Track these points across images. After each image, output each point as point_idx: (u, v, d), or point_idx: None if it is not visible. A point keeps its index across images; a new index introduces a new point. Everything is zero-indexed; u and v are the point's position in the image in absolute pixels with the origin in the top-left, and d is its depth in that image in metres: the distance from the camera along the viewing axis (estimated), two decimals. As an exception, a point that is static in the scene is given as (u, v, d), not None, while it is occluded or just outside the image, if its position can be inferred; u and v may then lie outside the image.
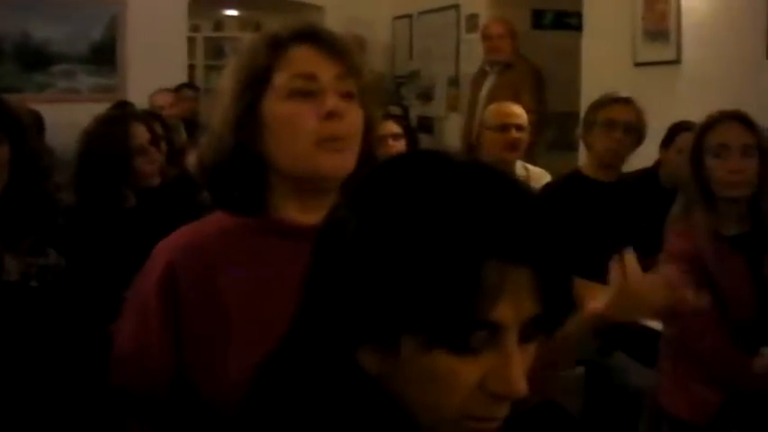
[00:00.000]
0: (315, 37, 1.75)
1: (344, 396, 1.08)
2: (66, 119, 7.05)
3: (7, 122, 2.37)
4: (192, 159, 4.61)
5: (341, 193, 1.15)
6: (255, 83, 1.72)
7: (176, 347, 1.70)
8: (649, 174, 5.10)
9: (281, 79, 1.71)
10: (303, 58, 1.72)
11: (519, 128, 4.90)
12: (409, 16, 9.44)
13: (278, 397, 1.13)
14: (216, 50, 13.98)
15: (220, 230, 1.76)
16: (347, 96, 1.73)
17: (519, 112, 5.01)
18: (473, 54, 8.36)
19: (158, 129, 3.85)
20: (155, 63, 8.79)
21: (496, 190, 1.03)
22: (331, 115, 1.68)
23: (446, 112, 8.75)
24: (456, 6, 8.67)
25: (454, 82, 8.63)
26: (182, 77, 9.19)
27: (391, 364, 1.04)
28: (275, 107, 1.71)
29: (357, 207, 1.07)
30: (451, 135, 8.36)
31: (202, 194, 4.32)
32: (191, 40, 10.18)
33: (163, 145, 3.88)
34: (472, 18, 8.40)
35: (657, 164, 5.14)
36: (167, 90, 7.56)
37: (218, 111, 1.76)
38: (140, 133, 3.62)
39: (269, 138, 1.71)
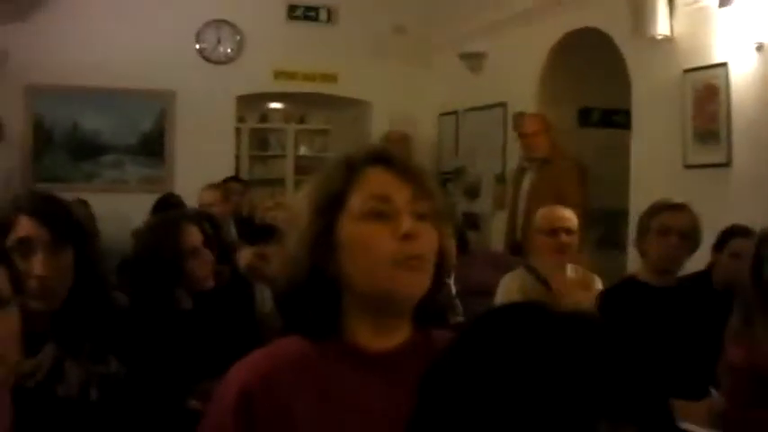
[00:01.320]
0: (388, 160, 1.77)
1: None
2: (114, 208, 7.14)
3: (71, 228, 2.37)
4: (242, 256, 4.61)
5: (448, 346, 1.12)
6: (331, 205, 1.73)
7: None
8: (703, 277, 5.04)
9: (355, 201, 1.72)
10: (377, 181, 1.74)
11: (568, 231, 4.85)
12: (455, 113, 9.47)
13: None
14: (260, 141, 14.08)
15: (294, 356, 1.74)
16: (421, 218, 1.72)
17: (569, 216, 4.97)
18: (520, 151, 8.37)
19: (209, 229, 3.83)
20: (202, 155, 8.89)
21: (602, 348, 1.01)
22: (407, 236, 1.68)
23: (492, 209, 8.72)
24: (503, 104, 8.69)
25: (501, 179, 8.62)
26: (229, 169, 9.26)
27: None
28: (351, 228, 1.71)
29: (463, 362, 1.04)
30: (498, 232, 8.33)
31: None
32: (236, 131, 10.25)
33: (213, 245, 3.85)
34: (519, 116, 8.41)
35: (710, 267, 5.08)
36: (215, 186, 7.59)
37: (293, 233, 1.77)
38: (192, 235, 3.60)
39: (345, 259, 1.71)
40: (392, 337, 1.76)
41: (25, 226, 2.33)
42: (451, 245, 1.85)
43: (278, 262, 4.66)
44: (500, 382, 0.99)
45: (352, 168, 1.76)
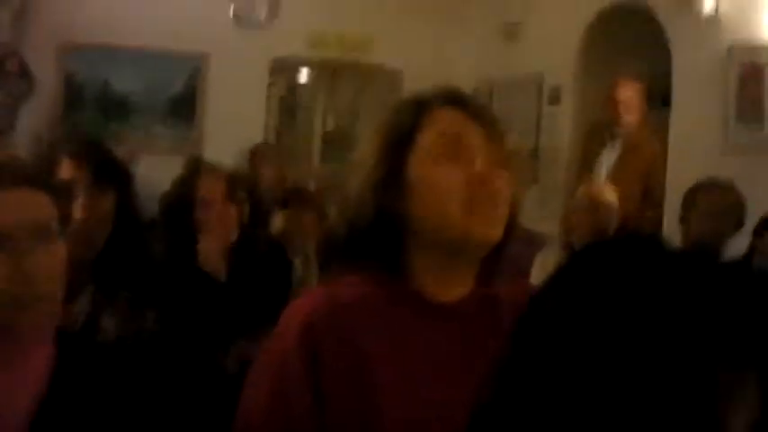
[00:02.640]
0: (461, 101, 1.70)
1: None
2: (142, 170, 7.08)
3: (113, 172, 2.32)
4: (275, 221, 4.56)
5: (544, 287, 1.04)
6: (400, 144, 1.67)
7: (319, 413, 1.60)
8: (744, 262, 4.94)
9: (426, 140, 1.66)
10: (450, 120, 1.67)
11: (609, 209, 4.77)
12: (490, 84, 9.34)
13: None
14: (289, 111, 14.03)
15: (359, 295, 1.68)
16: (494, 163, 1.66)
17: (608, 193, 4.89)
18: (554, 127, 8.26)
19: (240, 191, 3.71)
20: (233, 119, 8.82)
21: (722, 289, 0.92)
22: (480, 178, 1.62)
23: (525, 185, 8.63)
24: (539, 77, 8.57)
25: (534, 154, 8.51)
26: (259, 135, 9.23)
27: None
28: (422, 169, 1.65)
29: (568, 301, 0.95)
30: (531, 207, 8.24)
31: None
32: (266, 99, 10.20)
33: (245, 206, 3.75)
34: (555, 90, 8.29)
35: (751, 251, 4.98)
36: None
37: (358, 174, 1.71)
38: (208, 186, 3.51)
39: (415, 201, 1.65)
40: (457, 288, 1.70)
41: (67, 168, 2.29)
42: (522, 195, 1.78)
43: (311, 225, 4.62)
44: (609, 324, 0.91)
45: (422, 108, 1.69)
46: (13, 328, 1.64)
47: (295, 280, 4.29)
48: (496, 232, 1.65)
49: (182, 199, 3.46)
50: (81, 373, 1.74)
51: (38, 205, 1.68)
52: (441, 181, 1.63)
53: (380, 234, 1.67)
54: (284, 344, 1.66)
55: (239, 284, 3.37)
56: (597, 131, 7.09)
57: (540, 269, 4.69)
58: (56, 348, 1.74)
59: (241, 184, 3.85)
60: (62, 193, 1.81)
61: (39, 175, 1.73)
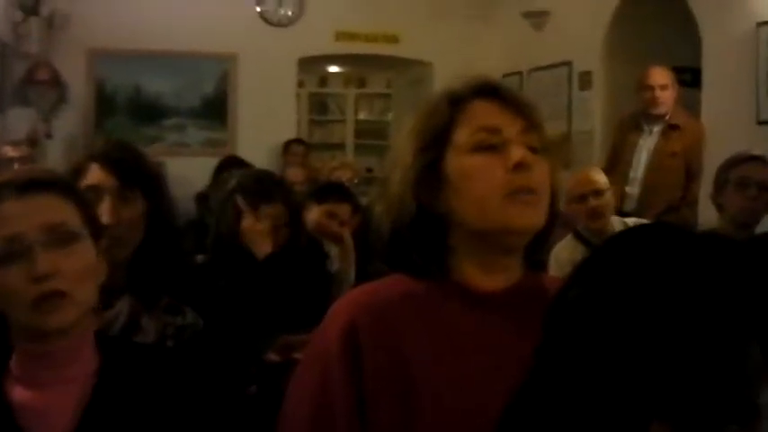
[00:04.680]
0: (495, 92, 1.68)
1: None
2: (176, 172, 7.11)
3: (143, 178, 2.33)
4: (310, 215, 4.56)
5: (574, 272, 1.05)
6: (436, 140, 1.66)
7: (361, 415, 1.60)
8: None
9: (463, 134, 1.65)
10: (485, 113, 1.66)
11: (597, 193, 4.71)
12: (520, 73, 9.34)
13: None
14: (319, 106, 14.08)
15: (402, 293, 1.68)
16: (532, 151, 1.64)
17: (595, 178, 4.79)
18: (586, 111, 8.24)
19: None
20: (264, 118, 8.88)
21: (749, 267, 0.93)
22: (520, 166, 1.60)
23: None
24: (568, 63, 8.56)
25: (566, 139, 8.49)
26: (290, 132, 9.25)
27: None
28: (459, 162, 1.64)
29: (596, 285, 0.97)
30: (562, 193, 8.22)
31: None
32: (296, 96, 10.21)
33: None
34: (585, 75, 8.28)
35: (786, 226, 4.96)
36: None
37: (396, 172, 1.71)
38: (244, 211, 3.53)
39: (453, 195, 1.64)
40: (503, 277, 1.69)
41: (95, 173, 2.30)
42: (562, 182, 1.77)
43: (348, 219, 4.63)
44: (640, 307, 0.92)
45: (456, 102, 1.68)
46: (41, 329, 1.67)
47: (332, 271, 4.31)
48: (538, 221, 1.64)
49: (222, 223, 3.49)
50: (124, 374, 1.77)
51: (56, 210, 1.71)
52: (479, 173, 1.62)
53: (423, 231, 1.67)
54: (326, 345, 1.65)
55: (279, 276, 3.40)
56: (632, 119, 6.95)
57: (555, 262, 4.65)
58: (98, 352, 1.77)
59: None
60: (83, 197, 1.83)
61: (57, 181, 1.76)
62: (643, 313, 0.92)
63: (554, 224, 1.72)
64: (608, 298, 0.96)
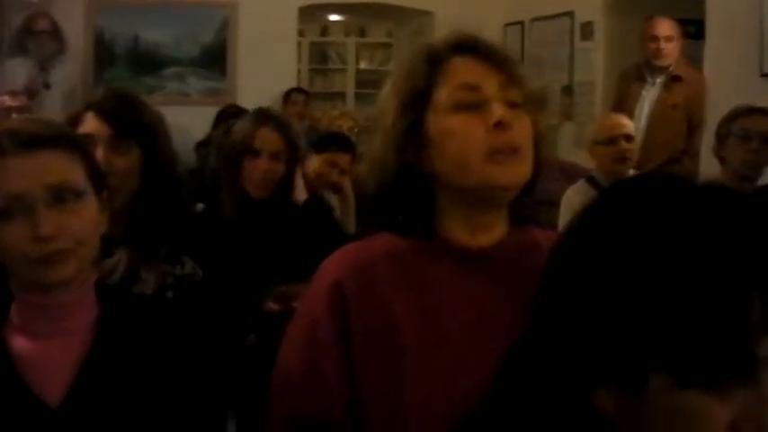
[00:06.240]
0: (474, 47, 1.67)
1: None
2: (176, 121, 7.03)
3: (139, 128, 2.32)
4: (310, 164, 4.54)
5: (575, 220, 1.04)
6: (416, 101, 1.66)
7: (349, 370, 1.63)
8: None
9: (443, 94, 1.65)
10: (465, 70, 1.65)
11: (628, 138, 4.73)
12: (521, 23, 9.27)
13: None
14: (320, 55, 14.03)
15: (388, 252, 1.69)
16: (513, 106, 1.64)
17: (626, 123, 4.86)
18: (588, 62, 8.19)
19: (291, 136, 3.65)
20: (265, 67, 8.82)
21: (752, 218, 0.92)
22: (500, 125, 1.60)
23: (559, 121, 8.56)
24: (570, 14, 8.49)
25: (568, 90, 8.45)
26: (291, 82, 9.20)
27: (632, 405, 0.94)
28: (440, 122, 1.64)
29: (597, 235, 0.96)
30: (565, 143, 8.20)
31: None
32: (297, 45, 10.14)
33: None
34: (587, 26, 8.22)
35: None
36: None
37: (378, 133, 1.71)
38: (262, 137, 3.48)
39: (436, 155, 1.64)
40: (490, 233, 1.69)
41: (90, 122, 2.30)
42: (546, 132, 1.76)
43: (348, 168, 4.61)
44: (640, 258, 0.92)
45: (435, 60, 1.67)
46: (43, 282, 1.66)
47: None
48: (521, 176, 1.64)
49: (240, 148, 3.44)
50: (124, 325, 1.77)
51: (61, 168, 1.69)
52: (460, 132, 1.61)
53: (407, 190, 1.67)
54: (314, 302, 1.68)
55: (283, 227, 3.38)
56: (636, 69, 6.96)
57: (568, 205, 4.67)
58: (98, 302, 1.77)
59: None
60: (88, 151, 1.81)
61: (59, 136, 1.73)
62: (644, 264, 0.91)
63: (538, 176, 1.72)
64: (609, 247, 0.96)
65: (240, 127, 3.55)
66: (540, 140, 1.71)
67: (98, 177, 1.78)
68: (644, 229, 0.94)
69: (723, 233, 0.91)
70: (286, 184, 3.48)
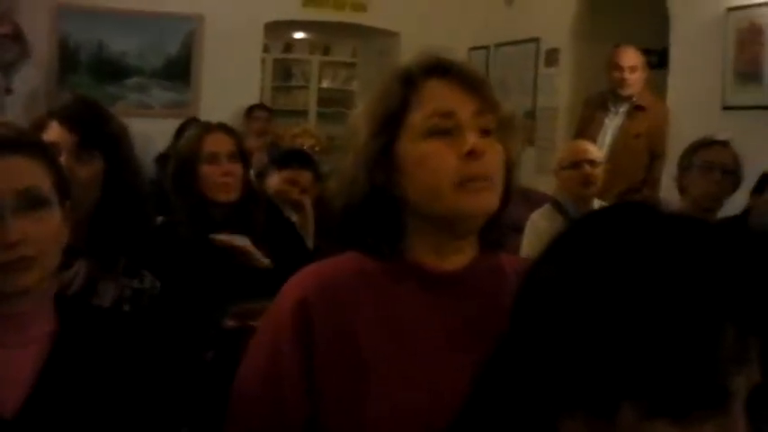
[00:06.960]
0: (449, 71, 1.66)
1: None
2: (138, 132, 6.98)
3: (103, 138, 2.29)
4: (271, 181, 4.52)
5: (545, 251, 1.03)
6: (390, 123, 1.64)
7: (310, 389, 1.61)
8: (739, 221, 4.93)
9: (416, 118, 1.63)
10: (440, 95, 1.64)
11: (592, 163, 4.78)
12: (486, 48, 9.32)
13: None
14: (284, 72, 14.04)
15: (355, 271, 1.68)
16: (486, 133, 1.63)
17: (591, 148, 4.95)
18: (551, 88, 8.24)
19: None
20: (228, 81, 8.80)
21: (725, 248, 0.92)
22: (472, 154, 1.59)
23: (522, 146, 8.60)
24: (536, 40, 8.54)
25: (531, 115, 8.49)
26: (254, 97, 9.19)
27: None
28: (412, 147, 1.63)
29: (569, 264, 0.95)
30: (526, 169, 8.23)
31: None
32: (261, 61, 10.13)
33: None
34: (552, 52, 8.27)
35: (747, 210, 4.97)
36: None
37: (350, 153, 1.69)
38: (215, 141, 3.46)
39: (406, 179, 1.63)
40: (458, 257, 1.68)
41: (54, 130, 2.27)
42: (518, 158, 1.76)
43: (309, 186, 4.59)
44: (616, 283, 0.92)
45: (410, 83, 1.65)
46: (4, 290, 1.63)
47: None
48: (491, 205, 1.63)
49: (189, 155, 3.42)
50: (81, 336, 1.74)
51: (28, 173, 1.66)
52: (432, 160, 1.60)
53: (375, 211, 1.66)
54: (279, 318, 1.66)
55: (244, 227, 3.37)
56: (599, 97, 7.01)
57: (533, 229, 4.70)
58: (56, 313, 1.74)
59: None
60: (54, 159, 1.78)
61: (29, 143, 1.70)
62: (617, 293, 0.91)
63: (508, 202, 1.71)
64: (582, 276, 0.95)
65: (187, 138, 3.55)
66: (511, 167, 1.70)
67: (63, 187, 1.76)
68: (617, 258, 0.94)
69: (697, 264, 0.91)
70: (250, 185, 3.49)
